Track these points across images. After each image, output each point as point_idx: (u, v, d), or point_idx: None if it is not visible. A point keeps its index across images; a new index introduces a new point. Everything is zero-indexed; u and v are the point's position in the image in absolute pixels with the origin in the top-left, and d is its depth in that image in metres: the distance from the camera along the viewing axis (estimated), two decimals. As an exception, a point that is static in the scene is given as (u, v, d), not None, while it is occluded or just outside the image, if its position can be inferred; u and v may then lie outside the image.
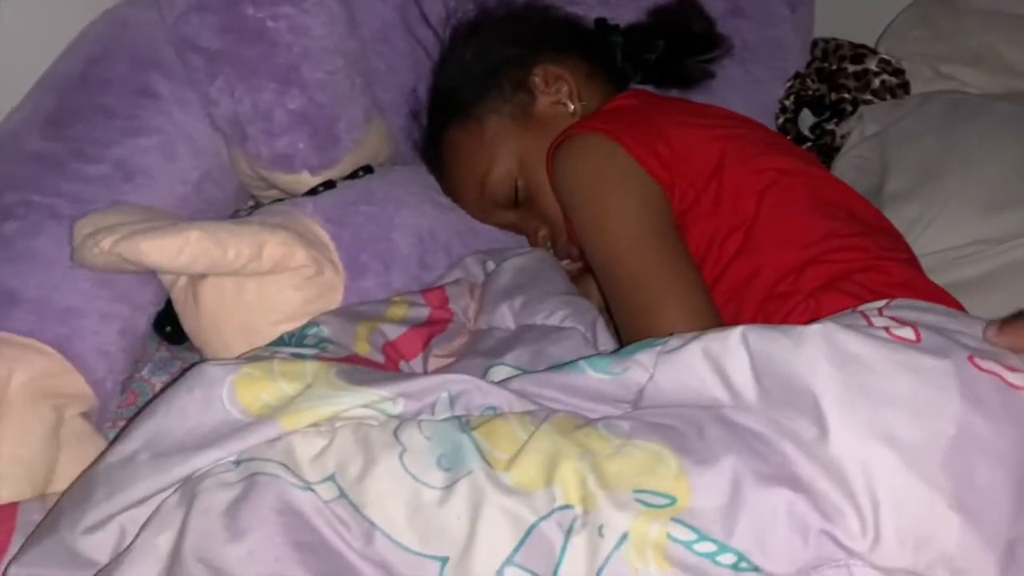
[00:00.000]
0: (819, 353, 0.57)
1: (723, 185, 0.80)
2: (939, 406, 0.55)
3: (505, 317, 0.83)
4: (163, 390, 0.87)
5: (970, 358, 0.57)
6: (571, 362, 0.65)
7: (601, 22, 1.03)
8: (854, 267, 0.75)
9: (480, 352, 0.80)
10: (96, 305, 0.82)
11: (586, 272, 0.93)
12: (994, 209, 0.87)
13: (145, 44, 0.93)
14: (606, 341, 0.80)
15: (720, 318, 0.76)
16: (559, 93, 0.93)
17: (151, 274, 0.84)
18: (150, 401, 0.68)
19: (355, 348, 0.78)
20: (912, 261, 0.80)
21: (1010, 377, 0.57)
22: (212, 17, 0.87)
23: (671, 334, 0.72)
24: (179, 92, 0.92)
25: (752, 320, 0.75)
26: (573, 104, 0.92)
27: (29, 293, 0.79)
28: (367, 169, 0.95)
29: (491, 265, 0.90)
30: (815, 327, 0.59)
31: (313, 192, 0.91)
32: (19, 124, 0.89)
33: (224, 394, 0.61)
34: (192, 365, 0.72)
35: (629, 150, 0.81)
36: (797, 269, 0.75)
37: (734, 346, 0.60)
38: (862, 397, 0.55)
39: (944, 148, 0.93)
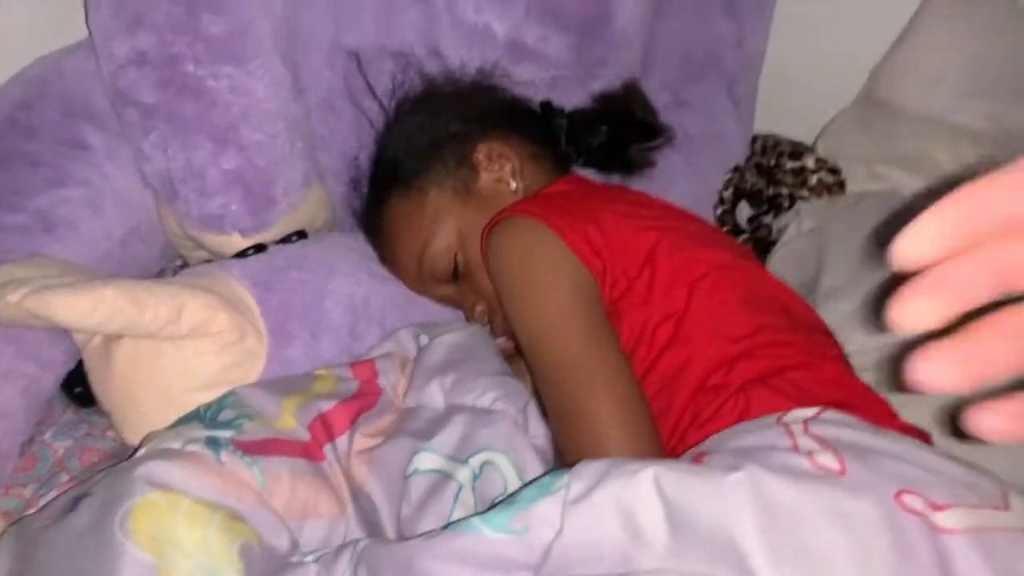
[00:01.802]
0: (745, 505, 0.54)
1: (655, 275, 0.79)
2: (872, 563, 0.52)
3: (435, 395, 0.81)
4: (66, 455, 0.82)
5: (897, 495, 0.55)
6: (465, 520, 0.60)
7: (547, 105, 1.04)
8: (784, 363, 0.74)
9: (408, 433, 0.78)
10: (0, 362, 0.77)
11: (520, 352, 0.91)
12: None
13: (79, 93, 0.91)
14: (537, 426, 0.78)
15: (648, 407, 0.74)
16: (502, 171, 0.92)
17: (64, 332, 0.80)
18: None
19: (278, 424, 0.75)
20: (842, 358, 0.80)
21: (937, 518, 0.55)
22: (151, 72, 0.85)
23: (599, 423, 0.71)
24: (111, 145, 0.89)
25: (682, 413, 0.74)
26: (515, 182, 0.92)
27: (-73, 344, 0.74)
28: (301, 234, 0.92)
29: (425, 339, 0.88)
30: (738, 475, 0.55)
31: (243, 255, 0.88)
32: (-64, 167, 0.85)
33: (118, 517, 0.60)
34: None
35: (562, 235, 0.80)
36: (728, 362, 0.74)
37: (646, 495, 0.56)
38: (793, 556, 0.52)
39: (878, 248, 0.95)
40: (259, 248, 0.89)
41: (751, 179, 1.18)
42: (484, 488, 0.72)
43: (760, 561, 0.52)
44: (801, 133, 1.28)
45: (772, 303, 0.81)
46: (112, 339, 0.78)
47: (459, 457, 0.72)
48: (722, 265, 0.81)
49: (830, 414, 0.65)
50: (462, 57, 1.00)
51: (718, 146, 1.21)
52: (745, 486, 0.55)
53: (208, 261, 0.90)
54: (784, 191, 1.13)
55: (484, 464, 0.73)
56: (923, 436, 0.74)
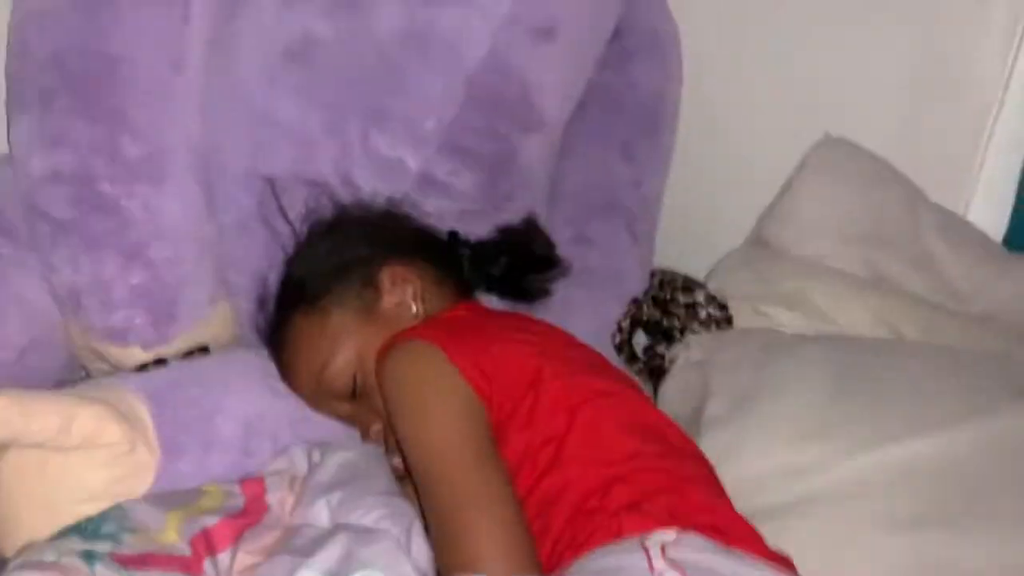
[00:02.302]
0: None
1: (538, 399, 0.83)
2: None
3: (321, 514, 0.82)
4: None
5: None
6: None
7: (453, 235, 1.10)
8: (656, 488, 0.78)
9: (290, 550, 0.78)
10: None
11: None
12: (801, 439, 0.93)
13: (-8, 204, 0.93)
14: (420, 546, 0.79)
15: (529, 534, 0.76)
16: (404, 294, 0.96)
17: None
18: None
19: (160, 538, 0.75)
20: (715, 487, 0.84)
21: None
22: (66, 189, 0.88)
23: (479, 549, 0.74)
24: (19, 255, 0.91)
25: (560, 535, 0.76)
26: (416, 306, 0.96)
27: None
28: (204, 350, 0.94)
29: (318, 456, 0.89)
30: None
31: (143, 368, 0.89)
32: None
33: None
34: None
35: (453, 360, 0.83)
36: (603, 487, 0.77)
37: None
38: None
39: (759, 380, 1.00)
40: (159, 362, 0.90)
41: (648, 311, 1.25)
42: None
43: None
44: (698, 269, 1.37)
45: (649, 430, 0.85)
46: (-1, 449, 0.78)
47: (336, 574, 0.73)
48: (602, 392, 0.86)
49: (690, 538, 0.68)
50: (374, 187, 1.06)
51: (618, 280, 1.28)
52: None
53: (108, 374, 0.90)
54: (677, 323, 1.20)
55: None
56: (787, 563, 0.77)
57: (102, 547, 0.70)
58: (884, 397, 0.95)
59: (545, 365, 0.85)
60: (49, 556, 0.68)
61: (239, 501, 0.82)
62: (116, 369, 0.92)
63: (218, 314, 0.98)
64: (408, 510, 0.82)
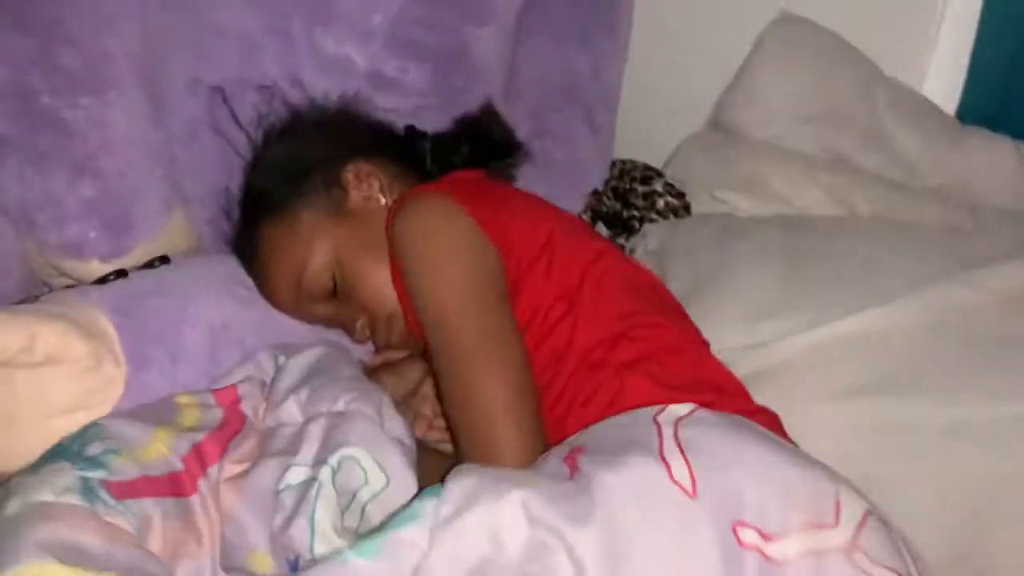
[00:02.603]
0: (593, 537, 0.60)
1: (554, 256, 0.85)
2: None
3: (292, 411, 0.84)
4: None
5: (734, 527, 0.61)
6: (337, 552, 0.63)
7: (410, 128, 1.09)
8: (658, 345, 0.82)
9: (273, 454, 0.80)
10: None
11: (380, 368, 0.95)
12: (754, 319, 0.96)
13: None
14: (393, 421, 0.82)
15: (535, 391, 0.80)
16: (371, 188, 0.96)
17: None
18: None
19: (147, 453, 0.76)
20: (705, 344, 0.89)
21: (769, 549, 0.61)
22: (5, 104, 0.86)
23: (488, 404, 0.77)
24: (-34, 176, 0.90)
25: (565, 388, 0.81)
26: (385, 198, 0.96)
27: None
28: (164, 259, 0.94)
29: (283, 360, 0.91)
30: (605, 500, 0.61)
31: (103, 281, 0.90)
32: None
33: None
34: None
35: (471, 213, 0.84)
36: (609, 341, 0.81)
37: (512, 517, 0.61)
38: None
39: (714, 265, 1.03)
40: (120, 274, 0.90)
41: (608, 202, 1.26)
42: (344, 480, 0.75)
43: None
44: (660, 157, 1.37)
45: (649, 289, 0.89)
46: (-34, 369, 0.79)
47: (321, 460, 0.76)
48: (606, 251, 0.89)
49: (701, 413, 0.70)
50: (324, 87, 1.04)
51: (577, 171, 1.28)
52: (598, 518, 0.61)
53: (68, 287, 0.91)
54: (636, 214, 1.21)
55: (343, 459, 0.76)
56: (773, 417, 0.83)
57: (95, 475, 0.71)
58: (835, 274, 0.98)
59: (556, 225, 0.88)
60: (48, 496, 0.68)
61: (217, 413, 0.83)
62: (77, 283, 0.92)
63: (175, 223, 0.97)
64: (377, 390, 0.84)
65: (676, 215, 1.19)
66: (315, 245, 0.93)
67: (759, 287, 0.99)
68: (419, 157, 1.05)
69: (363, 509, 0.75)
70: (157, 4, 0.97)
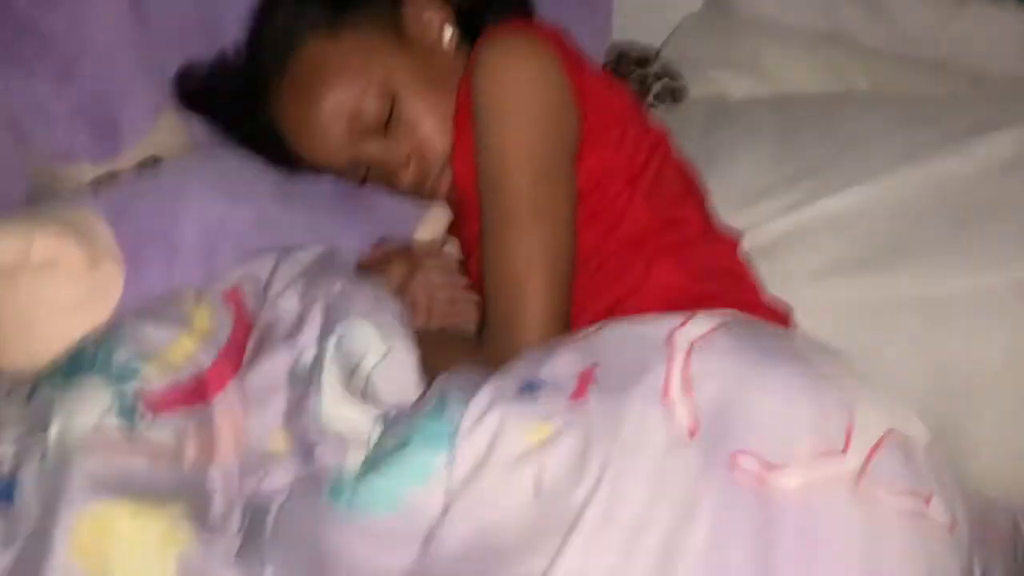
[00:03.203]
0: (595, 487, 0.59)
1: (626, 131, 0.86)
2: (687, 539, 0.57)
3: (291, 301, 0.84)
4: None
5: (733, 457, 0.59)
6: (351, 499, 0.66)
7: None
8: (695, 233, 0.86)
9: (277, 339, 0.81)
10: None
11: (372, 268, 0.96)
12: (745, 201, 0.97)
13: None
14: (388, 300, 0.82)
15: (574, 264, 0.80)
16: (432, 21, 0.92)
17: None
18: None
19: (175, 354, 0.77)
20: (736, 238, 0.91)
21: (770, 480, 0.58)
22: (-16, 10, 0.86)
23: (522, 267, 0.78)
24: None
25: (604, 261, 0.83)
26: (449, 31, 0.91)
27: None
28: (154, 160, 0.95)
29: (281, 258, 0.92)
30: (593, 463, 0.60)
31: (96, 183, 0.91)
32: None
33: (60, 531, 0.64)
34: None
35: (564, 68, 0.82)
36: (655, 225, 0.83)
37: (520, 481, 0.61)
38: (611, 526, 0.58)
39: (705, 150, 1.02)
40: (112, 176, 0.92)
41: (604, 87, 1.24)
42: (348, 348, 0.76)
43: (585, 528, 0.58)
44: (659, 39, 1.34)
45: (693, 180, 0.92)
46: (-29, 274, 0.82)
47: (327, 333, 0.77)
48: (665, 139, 0.91)
49: (717, 337, 0.66)
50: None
51: None
52: (593, 470, 0.60)
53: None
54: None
55: (346, 328, 0.77)
56: (784, 316, 0.84)
57: (128, 387, 0.72)
58: (824, 153, 0.98)
59: (627, 104, 0.89)
60: (89, 416, 0.70)
61: (229, 313, 0.84)
62: (73, 188, 0.94)
63: (166, 123, 0.98)
64: (371, 279, 0.85)
65: (673, 98, 1.18)
66: (378, 68, 0.88)
67: (747, 170, 0.99)
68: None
69: (368, 377, 0.76)
70: None
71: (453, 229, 1.01)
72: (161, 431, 0.72)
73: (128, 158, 0.94)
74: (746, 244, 0.94)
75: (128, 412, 0.72)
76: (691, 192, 0.90)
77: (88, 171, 0.92)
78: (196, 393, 0.77)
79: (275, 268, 0.90)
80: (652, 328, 0.68)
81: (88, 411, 0.70)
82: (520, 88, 0.81)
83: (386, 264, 0.96)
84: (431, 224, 1.03)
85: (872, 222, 0.90)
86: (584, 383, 0.65)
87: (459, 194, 0.90)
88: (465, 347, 0.86)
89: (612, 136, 0.85)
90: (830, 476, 0.59)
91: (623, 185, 0.84)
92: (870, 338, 0.86)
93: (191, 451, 0.73)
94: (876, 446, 0.60)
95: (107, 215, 0.86)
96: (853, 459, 0.59)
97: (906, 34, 1.16)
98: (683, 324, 0.67)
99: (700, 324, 0.67)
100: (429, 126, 0.89)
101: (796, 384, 0.62)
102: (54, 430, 0.70)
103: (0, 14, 0.85)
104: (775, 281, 0.89)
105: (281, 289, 0.86)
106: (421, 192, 0.94)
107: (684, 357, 0.64)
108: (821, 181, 0.94)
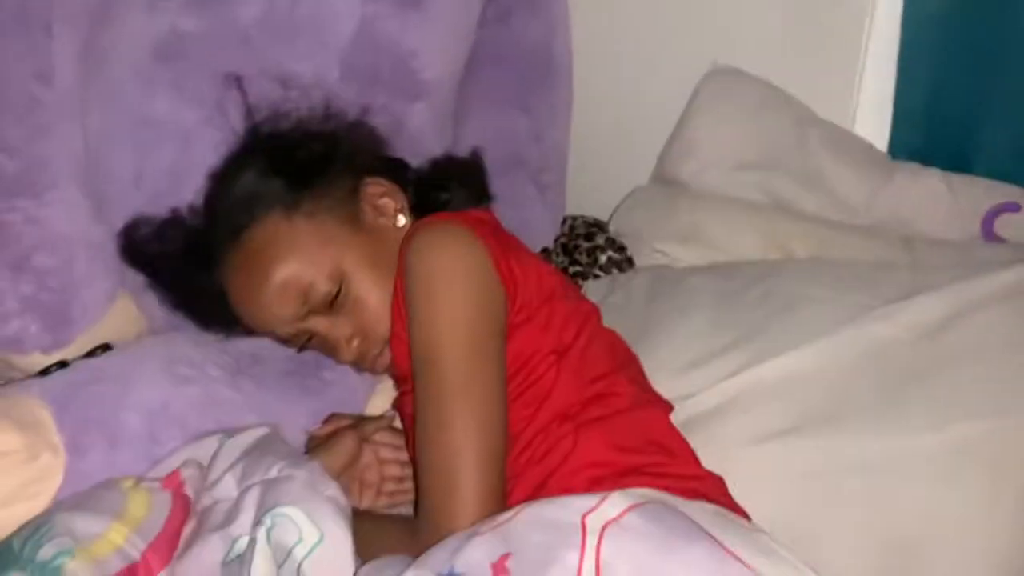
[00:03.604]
0: None
1: (554, 313, 0.88)
2: None
3: (228, 486, 0.85)
4: None
5: None
6: None
7: (398, 161, 1.07)
8: (623, 407, 0.86)
9: (212, 529, 0.82)
10: None
11: (314, 445, 0.96)
12: (684, 369, 0.98)
13: None
14: (326, 483, 0.82)
15: (506, 440, 0.81)
16: (387, 208, 0.97)
17: None
18: None
19: (99, 548, 0.76)
20: (668, 408, 0.92)
21: None
22: (-53, 211, 0.91)
23: (458, 445, 0.78)
24: (-85, 279, 0.95)
25: (533, 438, 0.84)
26: (403, 219, 0.96)
27: None
28: (105, 347, 0.98)
29: (225, 440, 0.93)
30: None
31: (45, 372, 0.93)
32: None
33: None
34: None
35: (489, 251, 0.86)
36: (582, 401, 0.85)
37: None
38: None
39: (646, 318, 1.05)
40: (62, 364, 0.94)
41: (556, 259, 1.28)
42: (279, 537, 0.76)
43: None
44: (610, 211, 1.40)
45: (623, 353, 0.94)
46: (-90, 467, 0.82)
47: (257, 523, 0.76)
48: (594, 314, 0.94)
49: (631, 517, 0.67)
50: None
51: (527, 231, 1.29)
52: None
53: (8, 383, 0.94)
54: (580, 269, 1.23)
55: (275, 517, 0.77)
56: (717, 482, 0.85)
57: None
58: (762, 319, 1.00)
59: (557, 283, 0.91)
60: None
61: (166, 498, 0.84)
62: (25, 374, 0.96)
63: (118, 311, 1.01)
64: (311, 461, 0.85)
65: (620, 269, 1.22)
66: (330, 250, 0.91)
67: (686, 337, 1.01)
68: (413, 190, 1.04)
69: (298, 567, 0.76)
70: (95, 103, 1.02)
71: (395, 404, 1.03)
72: None
73: (80, 345, 0.97)
74: (683, 413, 0.94)
75: None
76: (621, 366, 0.91)
77: (39, 360, 0.95)
78: None
79: (217, 452, 0.91)
80: (565, 512, 0.68)
81: None
82: (446, 268, 0.84)
83: (335, 440, 0.97)
84: (380, 399, 1.05)
85: (807, 388, 0.91)
86: (501, 569, 0.65)
87: (398, 371, 0.93)
88: (403, 529, 0.85)
89: (539, 318, 0.87)
90: None
91: (549, 365, 0.86)
92: (811, 502, 0.86)
93: None
94: None
95: (51, 404, 0.88)
96: None
97: (841, 201, 1.21)
98: (596, 507, 0.67)
99: (614, 505, 0.67)
100: (374, 307, 0.92)
101: (704, 567, 0.63)
102: None
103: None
104: (713, 449, 0.89)
105: (220, 474, 0.86)
106: (360, 366, 0.97)
107: (596, 541, 0.64)
108: (756, 348, 0.96)
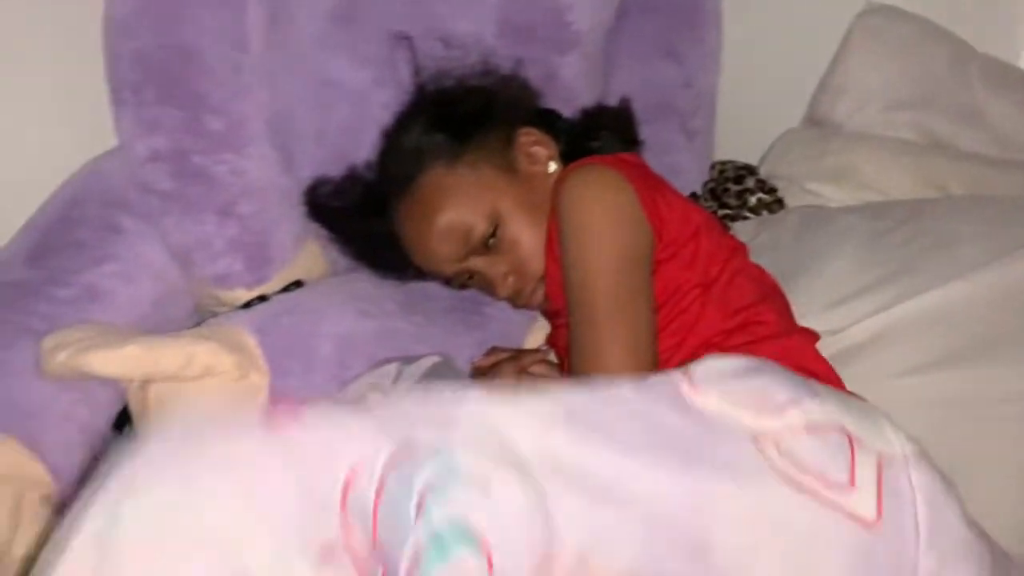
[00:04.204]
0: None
1: (699, 248, 0.94)
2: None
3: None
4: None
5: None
6: None
7: (550, 111, 1.15)
8: (767, 334, 0.91)
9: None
10: (58, 406, 0.96)
11: (483, 374, 1.05)
12: (835, 305, 1.00)
13: (114, 188, 1.11)
14: None
15: (657, 355, 0.88)
16: (539, 156, 1.04)
17: (112, 380, 0.99)
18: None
19: None
20: (813, 339, 0.95)
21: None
22: (166, 165, 1.05)
23: (611, 360, 0.85)
24: (140, 227, 1.09)
25: (680, 364, 0.85)
26: (555, 165, 1.04)
27: (1, 395, 0.94)
28: (298, 284, 1.10)
29: (402, 367, 1.03)
30: None
31: (248, 305, 1.06)
32: (4, 258, 1.06)
33: None
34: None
35: (637, 192, 0.92)
36: (727, 330, 0.90)
37: None
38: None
39: (795, 256, 1.07)
40: (262, 298, 1.07)
41: (705, 204, 1.32)
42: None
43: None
44: (760, 157, 1.41)
45: (770, 287, 0.98)
46: (147, 384, 0.97)
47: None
48: (740, 250, 0.98)
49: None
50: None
51: (675, 178, 1.33)
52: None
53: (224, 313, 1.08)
54: (730, 212, 1.27)
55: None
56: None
57: None
58: (911, 255, 1.01)
59: (701, 219, 0.97)
60: None
61: None
62: (230, 309, 1.10)
63: (306, 253, 1.13)
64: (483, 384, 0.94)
65: (769, 211, 1.24)
66: (488, 195, 1.00)
67: (836, 274, 1.03)
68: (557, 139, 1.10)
69: None
70: (283, 69, 1.14)
71: (549, 339, 1.10)
72: None
73: (275, 283, 1.10)
74: (832, 347, 0.97)
75: None
76: (766, 296, 0.95)
77: (242, 295, 1.08)
78: None
79: (397, 376, 1.02)
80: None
81: None
82: (596, 207, 0.91)
83: (496, 369, 1.06)
84: (537, 333, 1.13)
85: (956, 321, 0.92)
86: None
87: (551, 307, 1.00)
88: None
89: (684, 254, 0.93)
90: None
91: (695, 296, 0.91)
92: (959, 433, 0.87)
93: None
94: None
95: (256, 332, 1.01)
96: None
97: (1000, 136, 1.19)
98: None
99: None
100: (527, 246, 1.01)
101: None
102: None
103: (179, 165, 1.04)
104: (867, 381, 0.92)
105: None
106: (516, 302, 1.05)
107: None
108: (906, 283, 0.97)
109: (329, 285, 1.13)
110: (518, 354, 1.08)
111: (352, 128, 1.17)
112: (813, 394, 0.69)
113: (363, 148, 1.17)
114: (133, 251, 1.08)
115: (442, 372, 1.00)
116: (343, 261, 1.20)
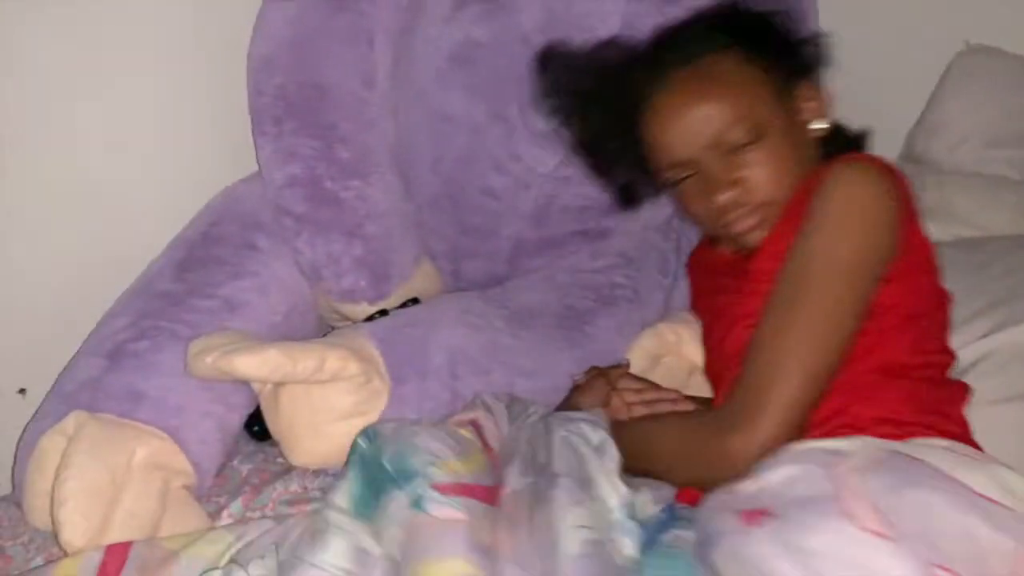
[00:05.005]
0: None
1: (922, 283, 0.94)
2: None
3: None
4: (247, 475, 1.10)
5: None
6: None
7: None
8: (938, 377, 0.93)
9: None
10: (199, 405, 1.06)
11: (585, 386, 1.11)
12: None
13: (252, 210, 1.22)
14: None
15: (833, 380, 0.88)
16: (813, 109, 1.03)
17: (245, 382, 1.09)
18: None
19: (463, 466, 0.83)
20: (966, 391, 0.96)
21: None
22: (300, 190, 1.16)
23: (791, 365, 0.86)
24: (275, 246, 1.20)
25: (856, 380, 0.90)
26: (818, 126, 1.03)
27: (152, 393, 1.03)
28: (414, 300, 1.19)
29: (501, 403, 1.03)
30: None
31: (370, 319, 1.15)
32: (155, 270, 1.18)
33: None
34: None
35: (901, 207, 0.92)
36: (907, 364, 0.91)
37: None
38: None
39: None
40: (383, 313, 1.16)
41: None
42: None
43: None
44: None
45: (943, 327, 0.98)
46: (278, 387, 1.06)
47: None
48: (948, 300, 0.98)
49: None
50: (536, 157, 1.25)
51: None
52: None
53: (347, 326, 1.18)
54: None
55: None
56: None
57: (419, 487, 0.78)
58: (1014, 286, 1.03)
59: (933, 258, 0.97)
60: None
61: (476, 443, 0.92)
62: (352, 323, 1.19)
63: (422, 272, 1.23)
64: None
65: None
66: (765, 110, 0.97)
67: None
68: None
69: None
70: (404, 104, 1.24)
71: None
72: (452, 506, 0.77)
73: (395, 298, 1.19)
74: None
75: (418, 503, 0.77)
76: (949, 350, 0.97)
77: (365, 309, 1.17)
78: (484, 494, 0.81)
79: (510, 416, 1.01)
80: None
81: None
82: (859, 204, 0.90)
83: (590, 384, 1.10)
84: (636, 352, 1.19)
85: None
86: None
87: (752, 264, 0.99)
88: (684, 422, 0.97)
89: (910, 279, 0.93)
90: None
91: (899, 322, 0.92)
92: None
93: (482, 533, 0.76)
94: None
95: (377, 343, 1.09)
96: None
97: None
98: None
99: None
100: (768, 174, 0.97)
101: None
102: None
103: (312, 190, 1.15)
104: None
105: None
106: (722, 218, 1.00)
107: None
108: (1010, 311, 0.99)
109: (443, 301, 1.21)
110: (606, 370, 1.12)
111: (466, 158, 1.25)
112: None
113: (476, 177, 1.25)
114: (267, 267, 1.19)
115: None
116: (450, 281, 1.28)
